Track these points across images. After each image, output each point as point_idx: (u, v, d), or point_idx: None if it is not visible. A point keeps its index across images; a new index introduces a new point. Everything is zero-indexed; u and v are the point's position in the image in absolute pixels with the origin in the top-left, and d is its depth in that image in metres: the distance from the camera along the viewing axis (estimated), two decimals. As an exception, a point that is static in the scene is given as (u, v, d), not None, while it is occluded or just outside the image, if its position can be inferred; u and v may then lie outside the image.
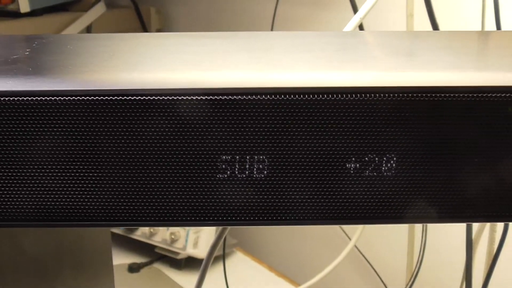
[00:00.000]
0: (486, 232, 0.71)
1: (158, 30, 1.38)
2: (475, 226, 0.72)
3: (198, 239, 1.02)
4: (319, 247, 1.09)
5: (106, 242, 0.56)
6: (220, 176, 0.26)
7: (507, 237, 0.68)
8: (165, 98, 0.25)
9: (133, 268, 1.05)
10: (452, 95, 0.25)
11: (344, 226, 0.99)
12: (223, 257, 0.74)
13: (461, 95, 0.25)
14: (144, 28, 1.33)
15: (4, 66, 0.29)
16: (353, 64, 0.29)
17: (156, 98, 0.25)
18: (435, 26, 0.51)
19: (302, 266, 1.10)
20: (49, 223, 0.27)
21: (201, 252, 1.02)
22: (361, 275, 1.03)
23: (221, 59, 0.30)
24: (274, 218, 0.27)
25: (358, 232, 0.78)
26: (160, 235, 1.06)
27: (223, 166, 0.26)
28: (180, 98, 0.25)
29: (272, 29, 0.94)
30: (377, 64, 0.29)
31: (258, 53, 0.32)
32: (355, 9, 0.69)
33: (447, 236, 0.85)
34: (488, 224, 0.70)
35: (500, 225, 0.69)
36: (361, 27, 0.69)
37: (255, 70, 0.27)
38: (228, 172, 0.26)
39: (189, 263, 1.06)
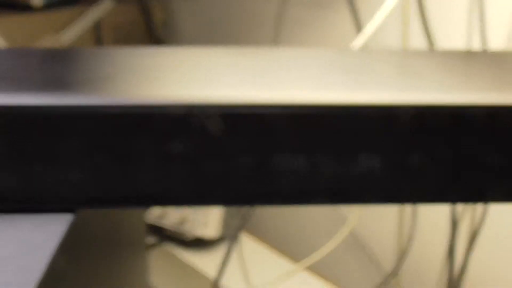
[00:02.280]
0: (468, 213, 0.80)
1: (163, 24, 1.44)
2: (459, 207, 0.81)
3: (206, 221, 1.10)
4: (318, 229, 1.17)
5: (142, 227, 0.65)
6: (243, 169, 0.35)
7: (486, 218, 0.77)
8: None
9: (145, 248, 1.13)
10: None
11: (341, 210, 1.08)
12: (237, 240, 0.83)
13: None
14: (149, 23, 1.39)
15: (100, 84, 0.37)
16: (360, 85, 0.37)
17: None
18: (431, 43, 0.59)
19: (302, 245, 1.18)
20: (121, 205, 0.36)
21: (209, 232, 1.10)
22: (355, 253, 1.12)
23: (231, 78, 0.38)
24: (298, 201, 0.36)
25: (354, 214, 0.87)
26: (170, 217, 1.14)
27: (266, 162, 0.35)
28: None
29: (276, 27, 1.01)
30: (384, 85, 0.38)
31: (269, 75, 0.40)
32: (355, 15, 0.77)
33: (434, 218, 0.93)
34: (470, 206, 0.79)
35: (480, 207, 0.78)
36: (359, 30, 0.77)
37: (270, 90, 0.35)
38: (269, 166, 0.35)
39: (197, 243, 1.14)
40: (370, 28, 0.52)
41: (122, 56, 0.46)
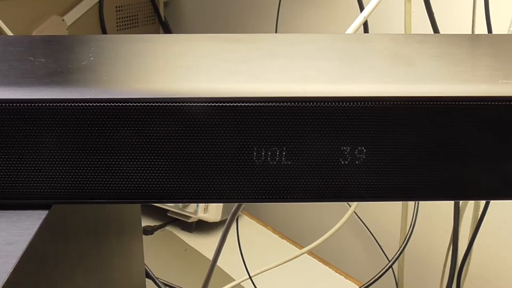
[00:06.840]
0: (472, 201, 0.78)
1: (166, 3, 1.43)
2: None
3: (208, 205, 1.10)
4: (320, 213, 1.16)
5: (137, 213, 0.65)
6: (244, 163, 0.33)
7: (489, 205, 0.76)
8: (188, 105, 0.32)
9: (147, 231, 1.13)
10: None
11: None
12: (236, 221, 0.82)
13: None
14: (153, 2, 1.38)
15: (81, 75, 0.36)
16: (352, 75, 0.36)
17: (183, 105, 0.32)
18: (435, 28, 0.57)
19: (304, 230, 1.18)
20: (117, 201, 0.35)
21: (211, 216, 1.10)
22: (359, 238, 1.11)
23: (230, 69, 0.37)
24: (283, 197, 0.34)
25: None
26: (173, 200, 1.13)
27: (249, 155, 0.33)
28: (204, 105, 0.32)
29: (278, 9, 0.99)
30: (372, 75, 0.36)
31: (265, 61, 0.38)
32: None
33: (437, 204, 0.92)
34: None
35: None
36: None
37: (265, 81, 0.34)
38: (252, 160, 0.34)
39: (199, 226, 1.14)
40: (367, 11, 0.50)
41: (107, 43, 0.45)
